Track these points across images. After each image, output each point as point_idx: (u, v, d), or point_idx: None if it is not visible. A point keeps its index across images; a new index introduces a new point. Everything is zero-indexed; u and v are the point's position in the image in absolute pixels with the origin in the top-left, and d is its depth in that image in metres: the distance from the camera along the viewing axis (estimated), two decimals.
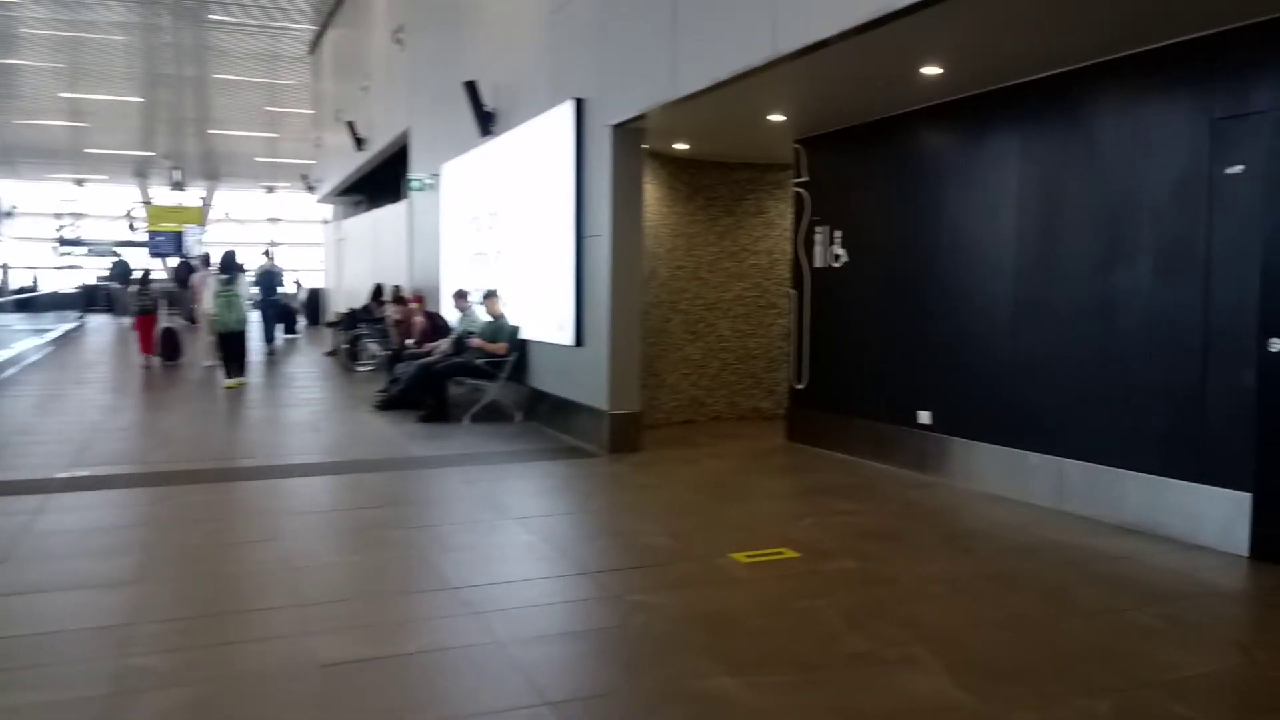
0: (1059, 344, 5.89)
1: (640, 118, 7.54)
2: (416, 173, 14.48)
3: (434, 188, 13.41)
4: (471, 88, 10.59)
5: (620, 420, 7.92)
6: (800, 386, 8.46)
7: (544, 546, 5.12)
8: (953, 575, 4.60)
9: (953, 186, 6.74)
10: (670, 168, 9.49)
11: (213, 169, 40.13)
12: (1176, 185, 5.21)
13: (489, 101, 10.63)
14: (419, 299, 13.14)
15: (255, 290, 20.01)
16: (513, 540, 5.24)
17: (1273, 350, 4.73)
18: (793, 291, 8.55)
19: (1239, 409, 4.90)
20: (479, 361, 9.44)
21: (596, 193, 8.13)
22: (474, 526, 5.56)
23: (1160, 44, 5.23)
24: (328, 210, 31.62)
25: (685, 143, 8.84)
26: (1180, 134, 5.19)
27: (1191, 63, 5.12)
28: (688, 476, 7.03)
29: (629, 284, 8.01)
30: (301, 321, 24.25)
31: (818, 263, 8.21)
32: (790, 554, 4.92)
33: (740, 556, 4.85)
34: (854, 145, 7.77)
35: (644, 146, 8.12)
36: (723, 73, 6.17)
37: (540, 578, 4.63)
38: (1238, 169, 4.90)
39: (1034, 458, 6.05)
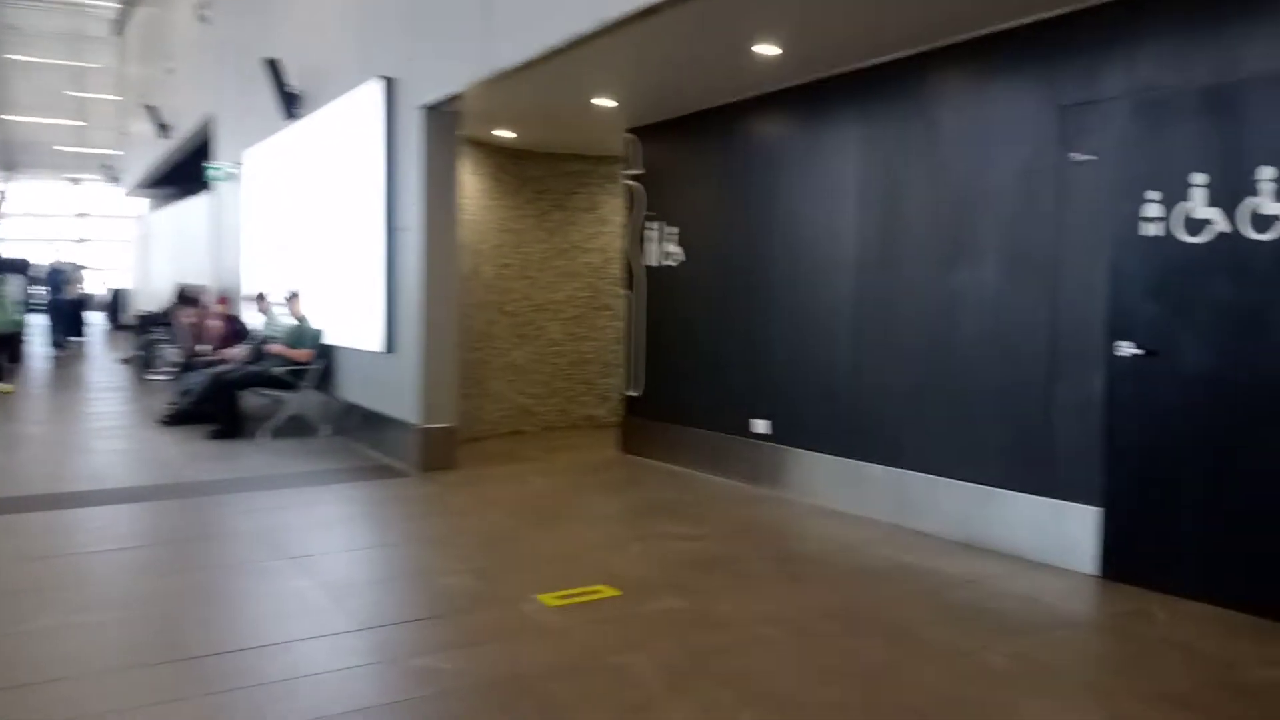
0: (901, 347, 5.48)
1: (455, 99, 6.77)
2: (220, 161, 13.17)
3: (236, 177, 12.18)
4: (273, 66, 9.52)
5: (434, 435, 7.11)
6: (634, 394, 7.86)
7: (320, 595, 4.28)
8: (789, 613, 4.05)
9: (791, 180, 6.27)
10: (495, 158, 8.74)
11: (9, 158, 36.61)
12: (1023, 176, 4.85)
13: (295, 83, 9.59)
14: (223, 300, 11.89)
15: (41, 290, 18.03)
16: (284, 588, 4.38)
17: (1121, 354, 4.40)
18: (625, 292, 7.95)
19: (1086, 417, 4.56)
20: (278, 370, 8.42)
21: (408, 182, 7.29)
22: (240, 571, 4.66)
23: (1005, 26, 4.86)
24: (144, 205, 29.23)
25: (509, 130, 8.11)
26: (1026, 121, 4.83)
27: (1038, 46, 4.76)
28: (506, 497, 6.30)
29: (444, 283, 7.21)
30: (99, 324, 22.13)
31: (651, 261, 7.63)
32: (609, 592, 4.27)
33: (551, 599, 4.16)
34: (688, 135, 7.23)
35: (461, 132, 7.33)
36: (540, 46, 5.47)
37: (310, 638, 3.79)
38: (1086, 158, 4.57)
39: (874, 470, 5.62)
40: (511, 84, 6.23)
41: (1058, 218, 4.68)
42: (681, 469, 7.21)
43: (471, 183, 8.41)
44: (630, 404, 7.92)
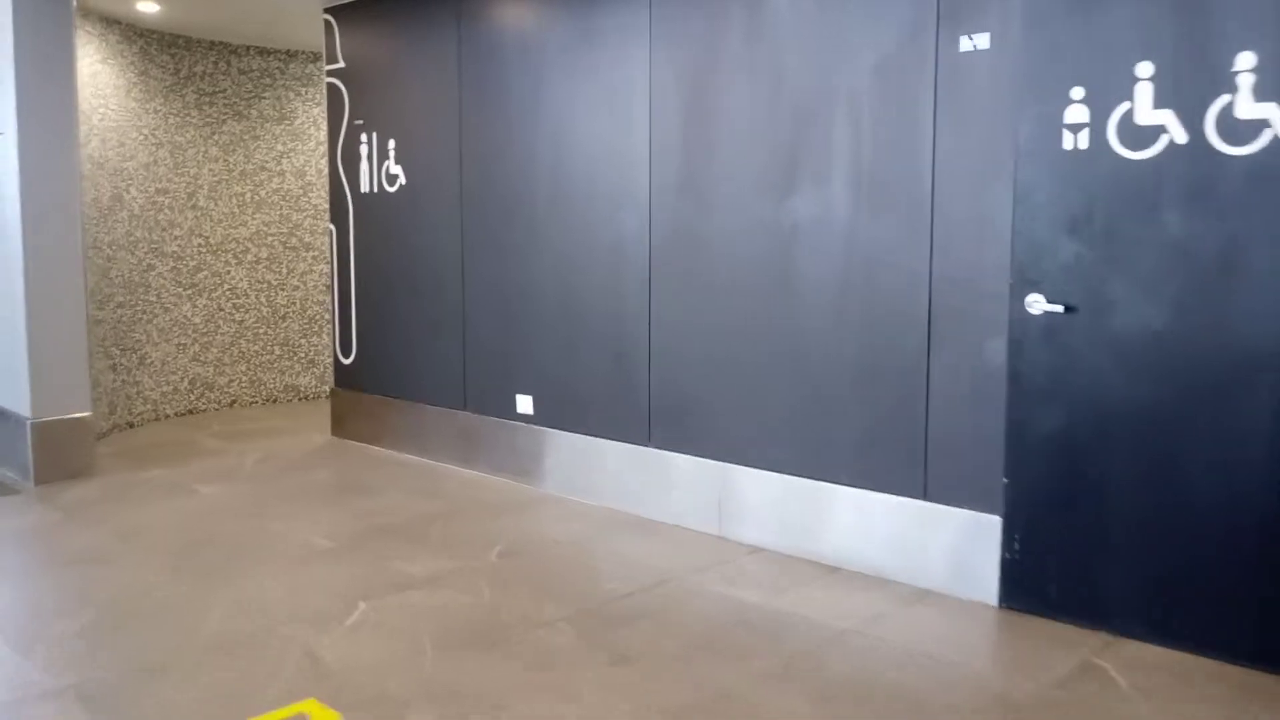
0: (716, 302, 4.11)
1: None
2: None
3: None
4: None
5: (55, 431, 4.99)
6: (347, 361, 6.04)
7: None
8: (598, 715, 2.60)
9: (558, 78, 4.68)
10: (140, 45, 6.43)
11: None
12: (888, 70, 3.57)
13: None
14: None
15: None
16: None
17: (1029, 312, 3.27)
18: (331, 227, 6.06)
19: (980, 395, 3.41)
20: None
21: None
22: None
23: None
24: None
25: (157, 2, 5.87)
26: None
27: None
28: (160, 524, 4.37)
29: (61, 211, 5.01)
30: None
31: (365, 186, 5.78)
32: (323, 715, 2.62)
33: None
34: (408, 15, 5.41)
35: (77, 2, 5.10)
36: None
37: None
38: (978, 43, 3.34)
39: (682, 463, 4.27)
40: None
41: (939, 126, 3.45)
42: (417, 460, 5.54)
43: (104, 76, 6.11)
44: (343, 374, 6.10)
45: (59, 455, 5.03)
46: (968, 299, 3.42)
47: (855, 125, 3.65)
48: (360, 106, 5.76)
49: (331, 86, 5.93)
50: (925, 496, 3.56)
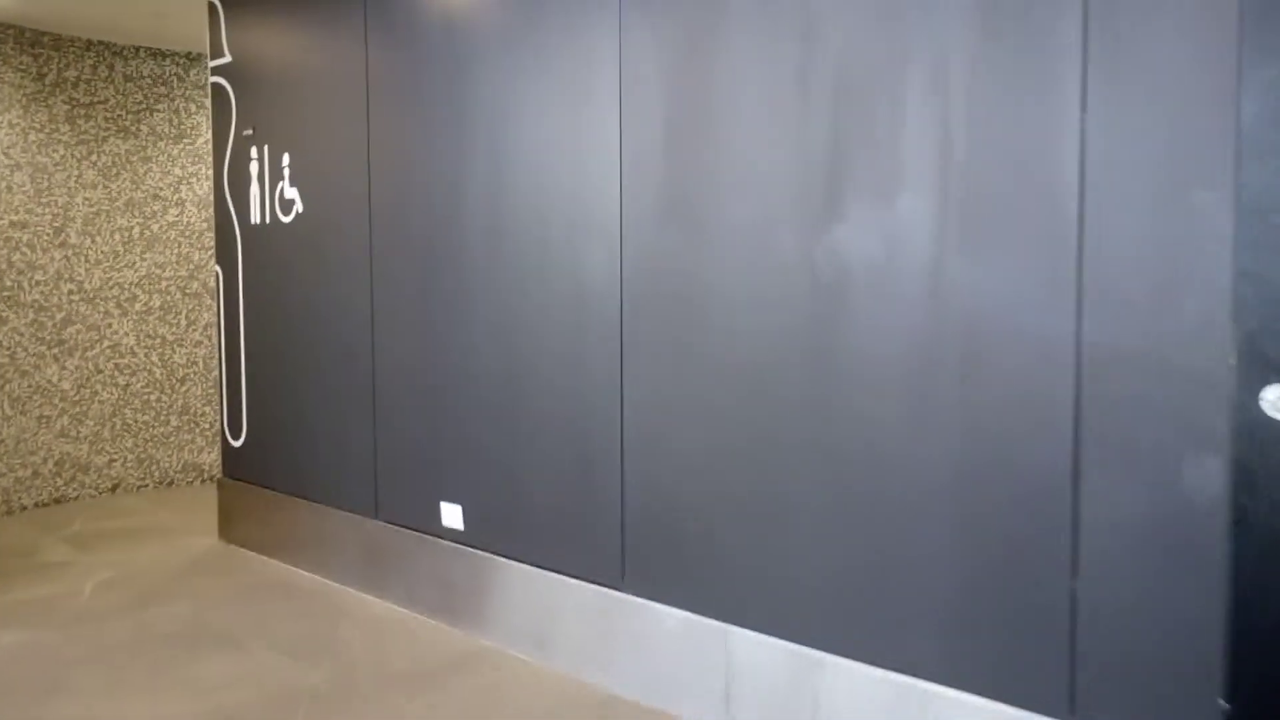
0: (720, 381, 2.71)
1: None
2: None
3: None
4: None
5: None
6: (236, 443, 4.63)
7: None
8: None
9: (493, 66, 3.32)
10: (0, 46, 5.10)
11: None
12: (999, 17, 2.21)
13: None
14: None
15: None
16: None
17: (1276, 414, 1.89)
18: (217, 268, 4.68)
19: (1174, 549, 2.02)
20: None
21: None
22: None
23: None
24: None
25: None
26: None
27: None
28: None
29: None
30: None
31: (255, 215, 4.42)
32: None
33: None
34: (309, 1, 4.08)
35: None
36: None
37: None
38: None
39: (673, 618, 2.86)
40: None
41: (1090, 103, 2.09)
42: (314, 580, 4.12)
43: None
44: (231, 459, 4.69)
45: None
46: (1147, 386, 2.03)
47: (941, 107, 2.28)
48: (249, 112, 4.40)
49: (216, 87, 4.58)
50: (1072, 715, 2.15)
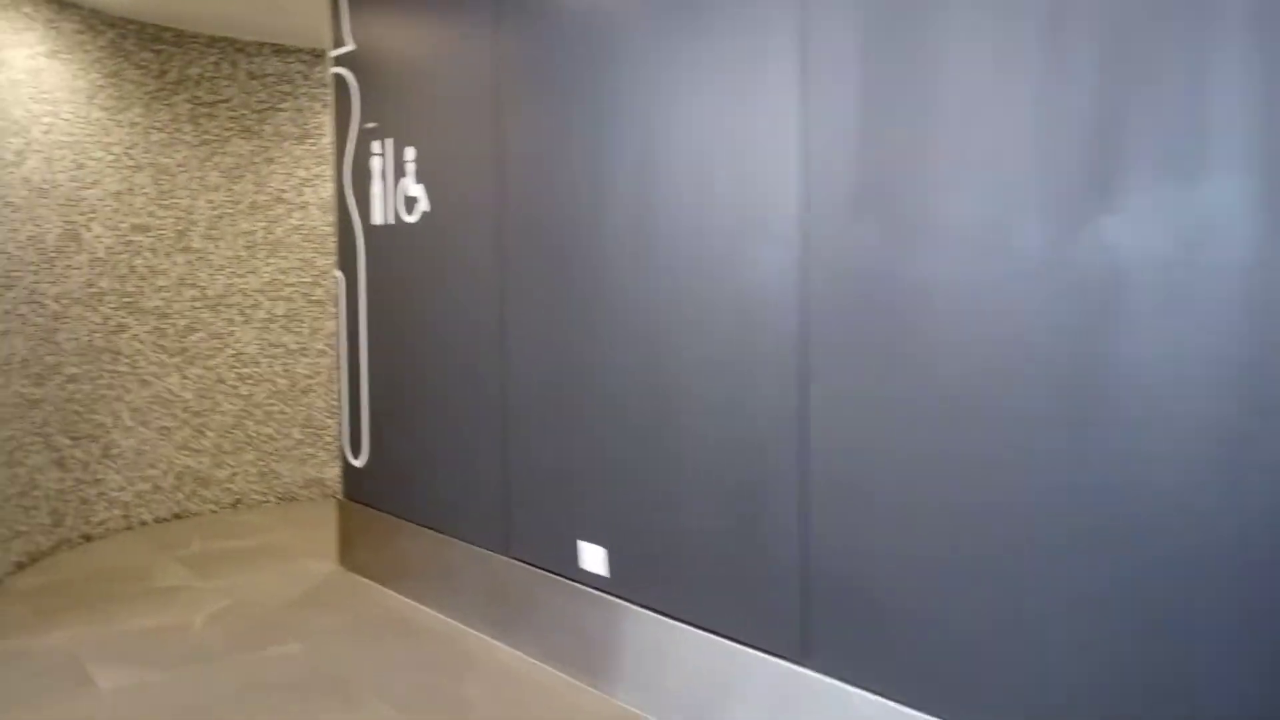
0: (943, 418, 2.14)
1: None
2: None
3: None
4: None
5: None
6: (357, 463, 4.29)
7: None
8: None
9: (642, 46, 2.83)
10: (111, 37, 4.91)
11: None
12: None
13: None
14: None
15: None
16: None
17: None
18: (339, 273, 4.35)
19: None
20: None
21: None
22: None
23: None
24: None
25: None
26: None
27: None
28: None
29: None
30: None
31: (378, 214, 4.06)
32: None
33: None
34: None
35: None
36: None
37: None
38: None
39: (877, 711, 2.30)
40: None
41: None
42: (438, 620, 3.71)
43: (52, 76, 4.58)
44: (352, 479, 4.35)
45: None
46: None
47: (1274, 53, 1.67)
48: (372, 103, 4.05)
49: (338, 79, 4.24)
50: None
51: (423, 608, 3.84)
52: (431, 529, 3.80)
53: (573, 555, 3.12)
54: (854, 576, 2.32)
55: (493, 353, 3.41)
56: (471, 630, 3.58)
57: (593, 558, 3.04)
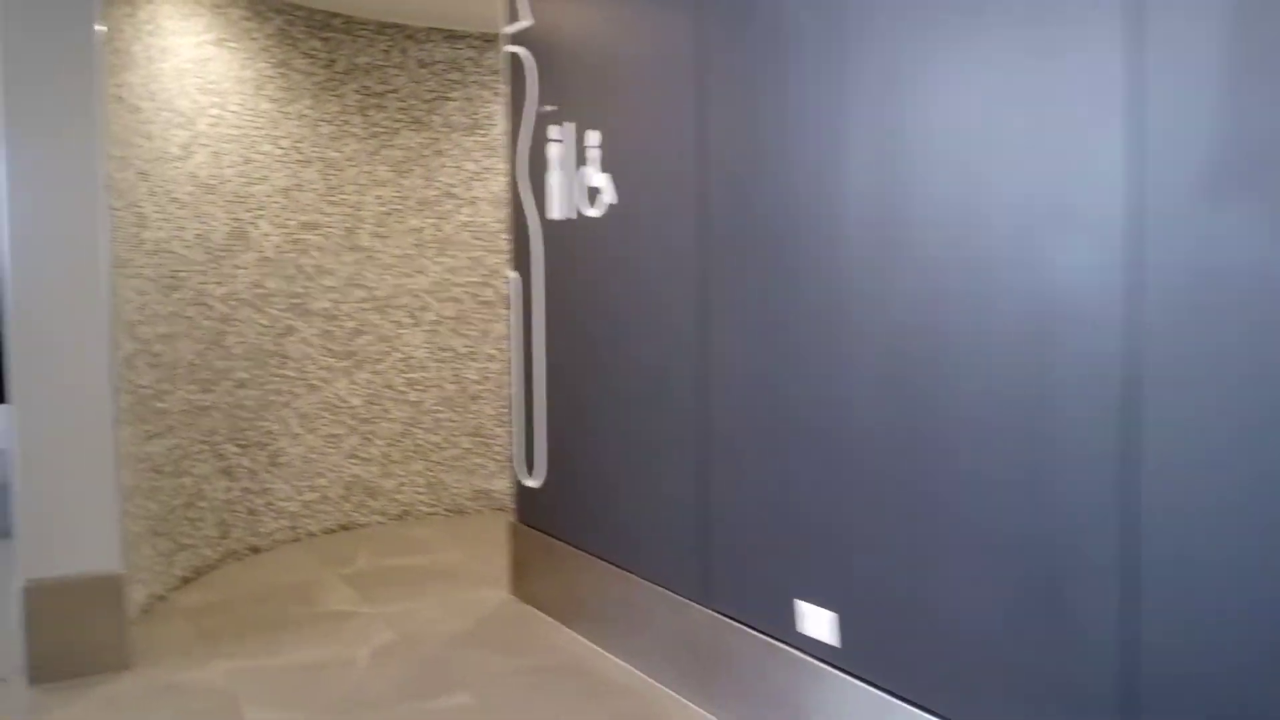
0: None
1: None
2: None
3: None
4: None
5: (59, 598, 3.14)
6: (531, 484, 3.88)
7: None
8: None
9: (894, 52, 2.25)
10: (279, 24, 4.69)
11: None
12: None
13: None
14: None
15: None
16: None
17: None
18: (513, 274, 3.96)
19: None
20: None
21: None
22: None
23: None
24: None
25: None
26: None
27: None
28: None
29: (65, 272, 3.21)
30: None
31: (556, 209, 3.63)
32: None
33: None
34: None
35: None
36: None
37: None
38: None
39: None
40: None
41: None
42: (620, 669, 3.25)
43: (219, 65, 4.38)
44: (526, 502, 3.95)
45: (66, 636, 3.17)
46: None
47: None
48: (551, 84, 3.62)
49: (513, 58, 3.84)
50: None
51: (605, 654, 3.39)
52: (615, 564, 3.34)
53: (789, 615, 2.59)
54: (1227, 688, 1.68)
55: (691, 367, 2.91)
56: (663, 688, 3.10)
57: (817, 622, 2.50)
